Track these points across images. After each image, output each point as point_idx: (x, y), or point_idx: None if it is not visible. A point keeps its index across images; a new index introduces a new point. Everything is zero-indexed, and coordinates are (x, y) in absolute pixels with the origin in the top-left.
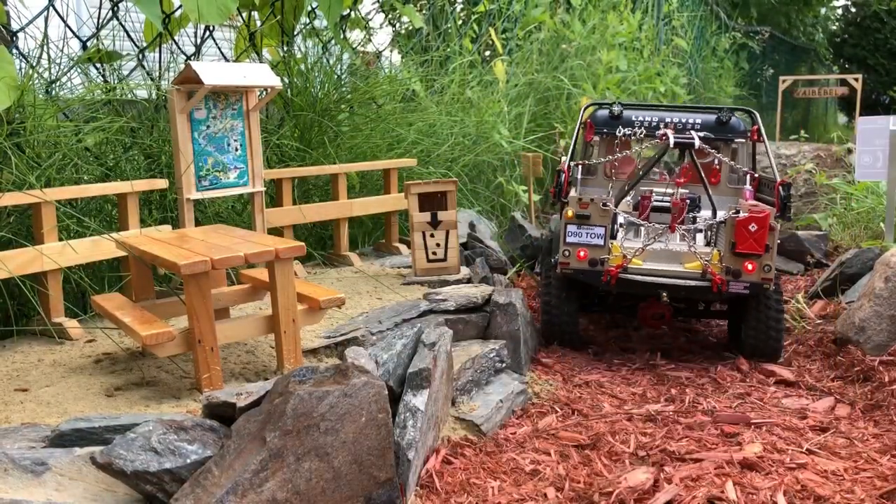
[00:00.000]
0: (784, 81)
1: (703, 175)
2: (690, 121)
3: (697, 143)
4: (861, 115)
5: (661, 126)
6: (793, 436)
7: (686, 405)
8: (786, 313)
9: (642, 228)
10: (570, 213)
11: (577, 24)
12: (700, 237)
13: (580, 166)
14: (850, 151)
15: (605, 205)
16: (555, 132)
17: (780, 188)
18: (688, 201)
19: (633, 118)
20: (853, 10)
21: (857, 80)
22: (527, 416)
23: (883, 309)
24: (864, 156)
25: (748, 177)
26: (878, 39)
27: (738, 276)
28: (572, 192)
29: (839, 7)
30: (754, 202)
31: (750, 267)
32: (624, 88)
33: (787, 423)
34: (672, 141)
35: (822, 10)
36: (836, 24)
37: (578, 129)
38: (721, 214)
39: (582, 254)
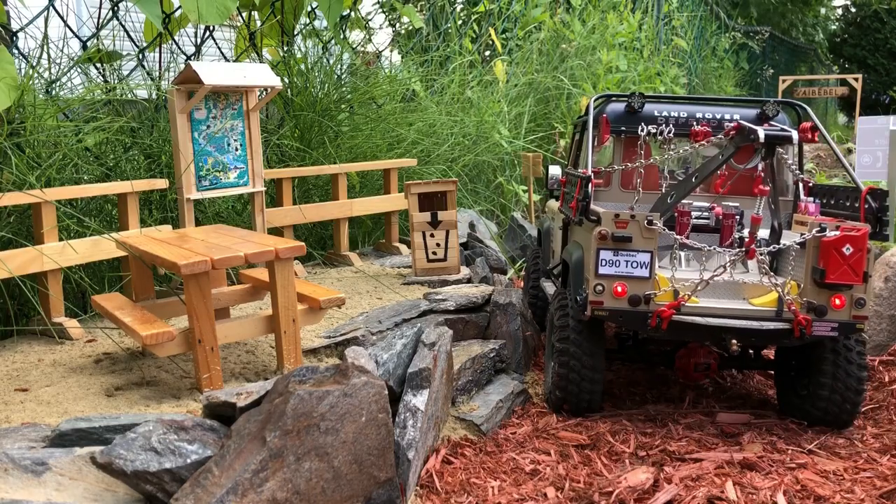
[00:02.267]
0: (784, 81)
1: (775, 182)
2: (727, 116)
3: (796, 137)
4: (861, 115)
5: (693, 123)
6: (793, 436)
7: (686, 405)
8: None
9: (681, 254)
10: (603, 234)
11: (577, 24)
12: (752, 265)
13: (590, 149)
14: (850, 151)
15: (650, 222)
16: (555, 132)
17: (869, 198)
18: (737, 217)
19: (657, 113)
20: (853, 10)
21: (857, 80)
22: (527, 416)
23: (883, 309)
24: (864, 156)
25: (801, 185)
26: (878, 39)
27: (823, 313)
28: (594, 207)
29: (839, 7)
30: (841, 220)
31: (838, 302)
32: (624, 88)
33: (787, 423)
34: (762, 135)
35: (822, 10)
36: (836, 24)
37: (590, 127)
38: (790, 235)
39: (620, 289)
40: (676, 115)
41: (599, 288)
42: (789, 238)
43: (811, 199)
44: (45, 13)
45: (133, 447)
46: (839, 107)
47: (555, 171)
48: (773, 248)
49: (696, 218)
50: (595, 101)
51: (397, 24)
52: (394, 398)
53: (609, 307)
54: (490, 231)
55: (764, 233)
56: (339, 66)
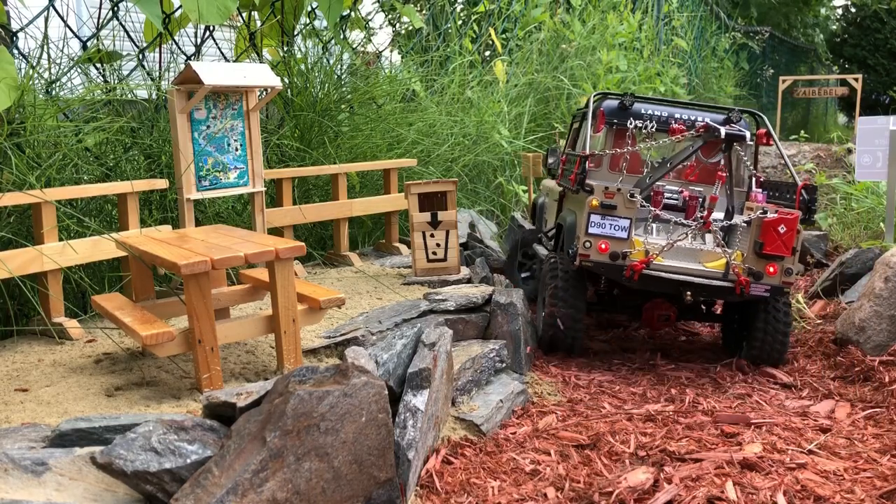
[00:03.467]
0: (784, 81)
1: (731, 172)
2: (699, 119)
3: (749, 135)
4: (861, 115)
5: (672, 121)
6: (793, 436)
7: (686, 405)
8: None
9: (653, 225)
10: (595, 202)
11: (577, 25)
12: (709, 238)
13: (588, 135)
14: (850, 151)
15: (632, 196)
16: (555, 132)
17: (804, 191)
18: (699, 199)
19: (643, 111)
20: (853, 10)
21: (857, 80)
22: (527, 416)
23: (883, 309)
24: (864, 156)
25: (753, 179)
26: (878, 39)
27: (759, 278)
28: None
29: (839, 7)
30: (780, 206)
31: (772, 269)
32: (624, 88)
33: (787, 423)
34: (724, 132)
35: (822, 11)
36: (836, 24)
37: (588, 118)
38: (740, 217)
39: (603, 246)
40: (659, 113)
41: (588, 244)
42: (740, 219)
43: (760, 190)
44: (45, 13)
45: (133, 447)
46: (839, 107)
47: (554, 155)
48: (726, 224)
49: (668, 198)
50: (595, 97)
51: (397, 24)
52: (394, 398)
53: (594, 260)
54: (490, 231)
55: (721, 214)
56: (339, 66)
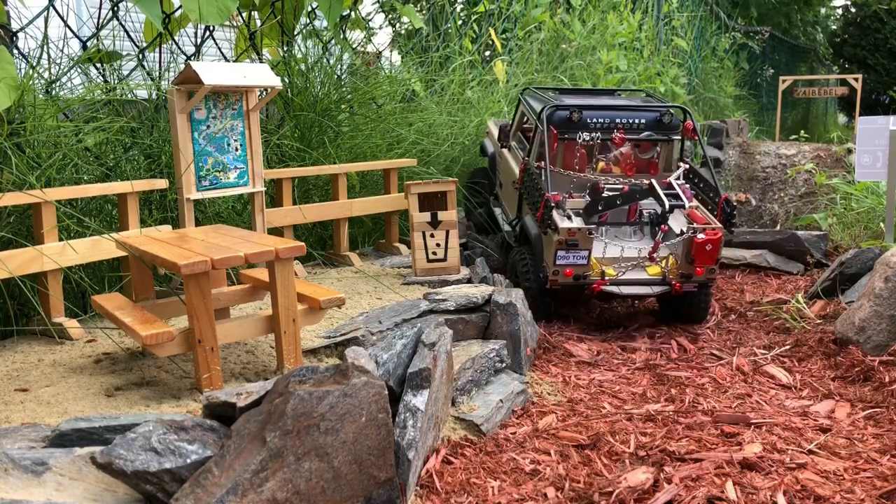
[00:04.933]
0: (784, 81)
1: (663, 202)
2: (636, 121)
3: (688, 205)
4: (861, 115)
5: (614, 128)
6: (793, 436)
7: (686, 405)
8: (785, 313)
9: (604, 229)
10: (560, 240)
11: (577, 25)
12: (647, 228)
13: (546, 168)
14: (850, 151)
15: (590, 233)
16: None
17: (724, 204)
18: (638, 199)
19: (589, 120)
20: (853, 10)
21: (857, 80)
22: (527, 416)
23: (883, 309)
24: (864, 156)
25: (683, 171)
26: (878, 39)
27: (690, 278)
28: (556, 217)
29: (839, 7)
30: (697, 204)
31: (700, 270)
32: (623, 88)
33: (787, 423)
34: (667, 206)
35: (822, 10)
36: (836, 24)
37: (540, 131)
38: (679, 229)
39: (568, 271)
40: (602, 120)
41: (556, 272)
42: (677, 227)
43: (688, 186)
44: (45, 13)
45: (133, 447)
46: (839, 107)
47: (505, 131)
48: (667, 244)
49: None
50: (547, 110)
51: (397, 25)
52: (394, 398)
53: (561, 283)
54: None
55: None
56: (339, 66)
